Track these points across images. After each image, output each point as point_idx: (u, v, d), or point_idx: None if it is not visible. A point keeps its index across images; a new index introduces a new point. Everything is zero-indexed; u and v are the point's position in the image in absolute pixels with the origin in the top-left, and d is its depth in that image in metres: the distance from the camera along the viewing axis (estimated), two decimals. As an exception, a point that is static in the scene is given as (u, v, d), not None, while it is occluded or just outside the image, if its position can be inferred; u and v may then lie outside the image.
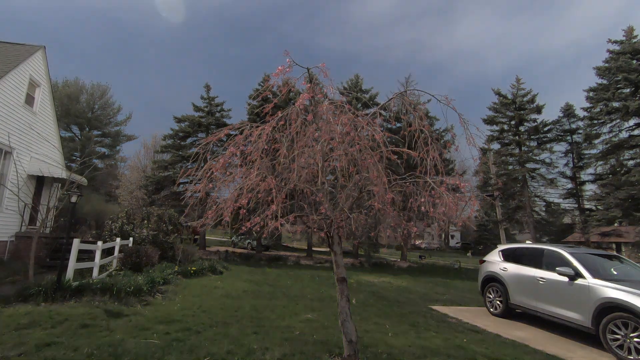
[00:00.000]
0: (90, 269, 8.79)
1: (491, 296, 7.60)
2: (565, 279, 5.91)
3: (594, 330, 5.28)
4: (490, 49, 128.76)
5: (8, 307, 5.55)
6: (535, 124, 29.91)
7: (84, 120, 31.05)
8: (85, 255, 8.93)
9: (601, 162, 26.86)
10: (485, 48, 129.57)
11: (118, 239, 11.10)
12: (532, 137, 30.03)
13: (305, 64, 3.85)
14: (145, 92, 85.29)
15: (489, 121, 31.77)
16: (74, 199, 7.62)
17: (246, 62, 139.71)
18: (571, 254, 6.26)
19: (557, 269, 6.15)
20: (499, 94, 31.50)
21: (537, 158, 30.11)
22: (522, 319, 7.04)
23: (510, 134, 30.89)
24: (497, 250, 8.19)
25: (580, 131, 28.90)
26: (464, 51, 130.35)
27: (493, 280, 7.64)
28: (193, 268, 11.55)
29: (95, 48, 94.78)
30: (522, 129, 30.34)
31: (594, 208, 29.41)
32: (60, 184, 14.20)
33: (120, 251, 11.22)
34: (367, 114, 4.58)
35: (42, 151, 13.00)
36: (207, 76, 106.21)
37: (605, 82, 26.34)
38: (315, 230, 3.90)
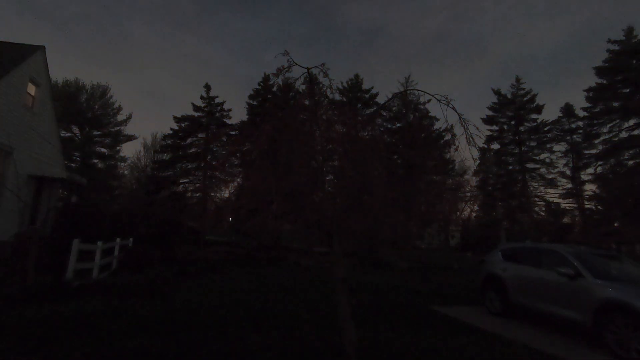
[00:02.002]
0: (91, 269, 8.80)
1: (491, 296, 7.59)
2: (565, 278, 5.90)
3: (594, 330, 5.28)
4: (545, 16, 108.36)
5: (8, 307, 5.55)
6: (535, 124, 29.94)
7: (84, 120, 31.05)
8: (85, 256, 8.95)
9: (601, 162, 26.88)
10: (539, 15, 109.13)
11: (118, 239, 11.10)
12: (532, 137, 30.05)
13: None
14: (136, 74, 78.76)
15: (488, 121, 31.80)
16: (74, 199, 7.63)
17: (254, 35, 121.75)
18: (571, 253, 6.26)
19: (557, 268, 6.15)
20: (498, 93, 31.52)
21: (537, 158, 30.16)
22: (522, 319, 7.04)
23: (510, 133, 30.93)
24: (497, 250, 8.19)
25: (580, 131, 28.91)
26: (513, 18, 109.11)
27: (493, 280, 7.64)
28: (193, 268, 11.55)
29: (72, 17, 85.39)
30: (522, 129, 30.36)
31: (594, 208, 29.44)
32: (60, 184, 14.19)
33: (120, 251, 11.22)
34: (367, 114, 4.58)
35: (42, 151, 13.00)
36: (207, 56, 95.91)
37: (605, 82, 26.36)
38: (315, 230, 3.90)
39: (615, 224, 25.47)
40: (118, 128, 33.53)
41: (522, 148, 30.22)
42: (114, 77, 72.16)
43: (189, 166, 27.30)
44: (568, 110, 30.35)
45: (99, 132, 32.55)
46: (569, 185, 30.03)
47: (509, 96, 30.98)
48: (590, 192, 28.90)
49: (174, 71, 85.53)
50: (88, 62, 72.18)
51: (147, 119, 74.57)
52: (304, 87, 4.21)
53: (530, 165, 30.29)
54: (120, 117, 33.75)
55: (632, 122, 24.86)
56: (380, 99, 28.26)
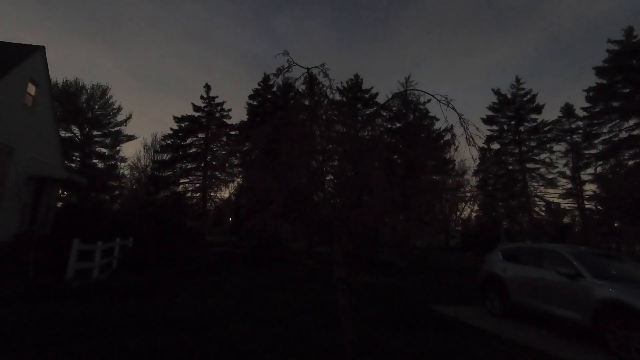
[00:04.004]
0: (91, 269, 8.80)
1: (491, 296, 7.59)
2: (565, 278, 5.91)
3: (594, 330, 5.28)
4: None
5: (8, 308, 5.55)
6: (535, 124, 29.93)
7: (84, 120, 31.05)
8: (85, 256, 8.95)
9: (601, 162, 26.88)
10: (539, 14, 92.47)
11: (118, 239, 11.10)
12: (532, 137, 30.04)
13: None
14: (132, 56, 73.84)
15: (488, 121, 31.78)
16: (74, 199, 7.65)
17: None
18: (571, 253, 6.26)
19: (557, 268, 6.15)
20: (498, 93, 31.50)
21: (537, 158, 30.15)
22: (522, 319, 7.04)
23: (510, 133, 30.91)
24: (497, 250, 8.19)
25: (580, 131, 28.92)
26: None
27: (493, 280, 7.64)
28: (193, 268, 11.55)
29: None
30: (522, 129, 30.35)
31: (594, 208, 29.45)
32: (60, 184, 14.18)
33: (120, 251, 11.23)
34: (367, 114, 4.58)
35: (42, 151, 13.00)
36: (208, 27, 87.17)
37: (605, 82, 26.35)
38: (315, 230, 3.90)
39: (616, 224, 25.48)
40: (118, 128, 33.53)
41: (522, 148, 30.19)
42: (108, 60, 68.70)
43: (189, 166, 27.31)
44: (568, 110, 30.37)
45: (99, 132, 32.55)
46: (569, 185, 30.06)
47: (508, 96, 30.97)
48: (591, 192, 28.93)
49: (172, 48, 78.20)
50: (82, 42, 68.58)
51: (144, 106, 70.75)
52: (303, 87, 4.21)
53: (530, 165, 30.28)
54: (120, 117, 33.77)
55: (632, 122, 24.84)
56: (382, 95, 28.19)
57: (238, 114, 44.21)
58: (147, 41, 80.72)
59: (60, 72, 63.54)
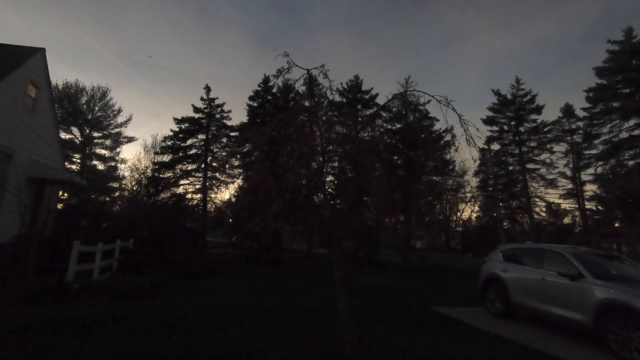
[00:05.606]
0: (91, 271, 8.79)
1: (492, 297, 7.58)
2: (566, 279, 5.90)
3: (595, 331, 5.27)
4: None
5: (9, 309, 5.55)
6: (535, 124, 29.93)
7: (84, 122, 31.09)
8: (85, 257, 8.94)
9: (601, 163, 26.88)
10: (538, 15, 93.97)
11: (118, 241, 11.09)
12: (532, 137, 30.05)
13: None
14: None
15: (488, 121, 31.78)
16: (74, 201, 7.64)
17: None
18: (572, 254, 6.24)
19: (557, 269, 6.14)
20: (498, 94, 31.51)
21: (537, 158, 30.15)
22: (522, 320, 7.03)
23: (510, 134, 30.91)
24: (497, 250, 8.17)
25: (581, 131, 28.94)
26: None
27: (493, 280, 7.62)
28: (193, 270, 11.54)
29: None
30: (522, 129, 30.35)
31: (594, 208, 29.44)
32: (60, 186, 14.18)
33: (120, 253, 11.22)
34: (367, 115, 4.58)
35: (42, 153, 13.00)
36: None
37: (605, 82, 26.36)
38: (315, 231, 3.90)
39: (616, 225, 25.46)
40: (118, 130, 33.57)
41: (522, 148, 30.20)
42: (102, 44, 66.47)
43: (189, 167, 27.33)
44: (568, 110, 30.41)
45: (99, 134, 32.59)
46: (570, 186, 30.10)
47: (508, 97, 30.99)
48: (591, 193, 28.93)
49: (173, 30, 76.20)
50: (82, 32, 66.59)
51: (144, 102, 69.27)
52: (304, 88, 4.22)
53: (530, 166, 30.28)
54: (120, 119, 33.82)
55: (632, 122, 24.85)
56: (383, 95, 28.09)
57: (238, 103, 43.33)
58: (147, 31, 78.53)
59: (60, 68, 62.41)
